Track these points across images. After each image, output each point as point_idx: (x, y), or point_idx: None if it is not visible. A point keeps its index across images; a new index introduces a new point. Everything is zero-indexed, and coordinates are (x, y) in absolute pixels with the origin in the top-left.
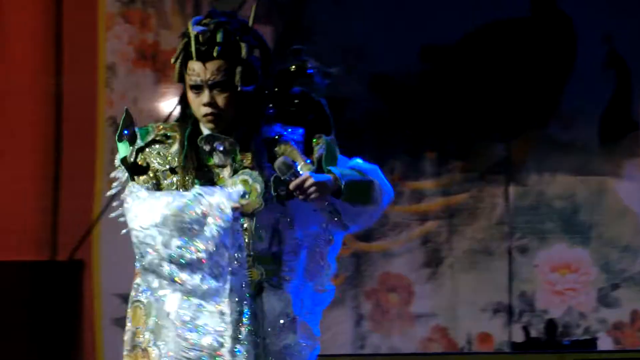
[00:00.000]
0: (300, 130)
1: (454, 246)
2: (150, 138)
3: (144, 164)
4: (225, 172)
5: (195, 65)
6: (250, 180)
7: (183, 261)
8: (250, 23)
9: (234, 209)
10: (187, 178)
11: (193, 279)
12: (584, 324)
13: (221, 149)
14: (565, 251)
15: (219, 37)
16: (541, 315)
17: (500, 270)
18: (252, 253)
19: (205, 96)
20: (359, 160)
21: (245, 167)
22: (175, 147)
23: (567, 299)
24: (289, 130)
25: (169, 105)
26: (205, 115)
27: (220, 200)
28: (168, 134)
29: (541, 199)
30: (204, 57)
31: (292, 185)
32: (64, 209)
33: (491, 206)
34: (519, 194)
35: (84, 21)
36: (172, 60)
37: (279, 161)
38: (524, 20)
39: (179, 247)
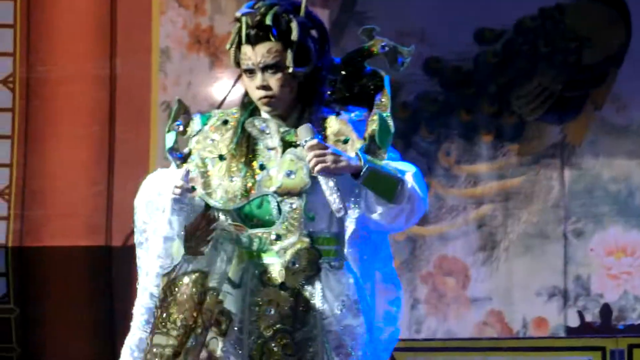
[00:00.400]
0: (359, 111)
1: (510, 230)
2: (209, 124)
3: (190, 152)
4: (274, 154)
5: (246, 49)
6: (295, 160)
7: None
8: (303, 4)
9: (179, 187)
10: (232, 165)
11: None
12: None
13: (267, 131)
14: (620, 235)
15: (268, 20)
16: (597, 299)
17: (555, 254)
18: (304, 232)
19: (257, 79)
20: (405, 164)
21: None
22: (229, 133)
23: (622, 282)
24: (348, 109)
25: (223, 89)
26: (260, 98)
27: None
28: (227, 119)
29: (596, 182)
30: (253, 40)
31: (307, 146)
32: (118, 194)
33: (547, 189)
34: (574, 177)
35: (138, 5)
36: (227, 47)
37: (301, 126)
38: (578, 4)
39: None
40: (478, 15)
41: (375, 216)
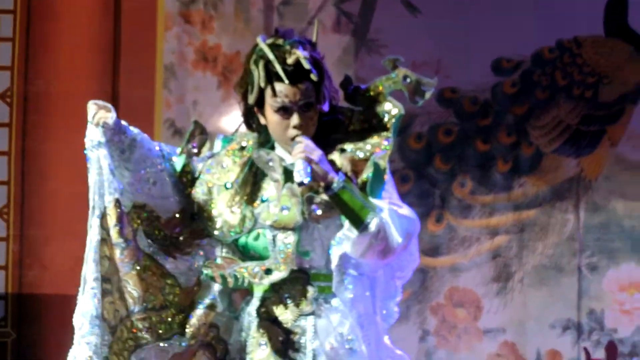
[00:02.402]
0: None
1: (524, 261)
2: (227, 148)
3: (196, 177)
4: (277, 187)
5: (282, 87)
6: (289, 195)
7: None
8: (314, 39)
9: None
10: (236, 197)
11: None
12: None
13: (271, 164)
14: (633, 270)
15: (304, 60)
16: (610, 334)
17: (570, 287)
18: (296, 268)
19: (295, 118)
20: (403, 207)
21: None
22: (241, 162)
23: (635, 318)
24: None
25: (229, 109)
26: (294, 137)
27: None
28: (245, 146)
29: (611, 217)
30: (294, 79)
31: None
32: None
33: (562, 222)
34: (589, 211)
35: (143, 20)
36: (262, 84)
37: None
38: (596, 38)
39: None
40: (495, 45)
41: (347, 249)
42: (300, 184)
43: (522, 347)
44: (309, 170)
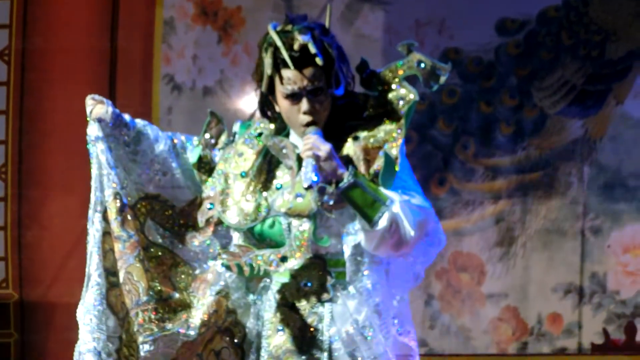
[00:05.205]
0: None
1: (527, 225)
2: (244, 134)
3: (213, 166)
4: (291, 174)
5: (290, 74)
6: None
7: None
8: (327, 24)
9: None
10: (251, 185)
11: None
12: None
13: (285, 151)
14: (638, 232)
15: (311, 45)
16: (612, 297)
17: (572, 251)
18: (313, 254)
19: (304, 104)
20: (416, 197)
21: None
22: (257, 149)
23: (638, 280)
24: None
25: (229, 65)
26: (306, 123)
27: None
28: (262, 132)
29: (616, 178)
30: (300, 65)
31: (306, 135)
32: None
33: (565, 185)
34: (593, 172)
35: None
36: (268, 72)
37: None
38: None
39: None
40: (500, 4)
41: (361, 240)
42: (308, 187)
43: (524, 311)
44: (315, 171)
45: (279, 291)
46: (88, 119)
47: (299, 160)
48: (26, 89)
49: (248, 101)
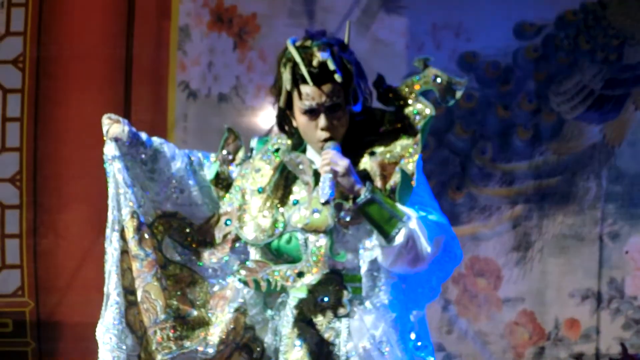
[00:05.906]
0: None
1: (544, 230)
2: (262, 150)
3: (231, 182)
4: (308, 189)
5: (309, 89)
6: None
7: None
8: (346, 40)
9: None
10: (268, 201)
11: None
12: None
13: (301, 167)
14: None
15: (330, 62)
16: (630, 302)
17: (590, 256)
18: (329, 270)
19: (322, 120)
20: (433, 213)
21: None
22: (274, 165)
23: None
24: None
25: (244, 71)
26: (324, 140)
27: None
28: (279, 148)
29: (635, 183)
30: (319, 81)
31: (325, 150)
32: None
33: (583, 190)
34: (612, 178)
35: None
36: (288, 87)
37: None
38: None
39: None
40: (518, 8)
41: (378, 255)
42: (325, 203)
43: (541, 316)
44: (332, 187)
45: (296, 306)
46: (105, 138)
47: (316, 175)
48: (41, 97)
49: (263, 108)
